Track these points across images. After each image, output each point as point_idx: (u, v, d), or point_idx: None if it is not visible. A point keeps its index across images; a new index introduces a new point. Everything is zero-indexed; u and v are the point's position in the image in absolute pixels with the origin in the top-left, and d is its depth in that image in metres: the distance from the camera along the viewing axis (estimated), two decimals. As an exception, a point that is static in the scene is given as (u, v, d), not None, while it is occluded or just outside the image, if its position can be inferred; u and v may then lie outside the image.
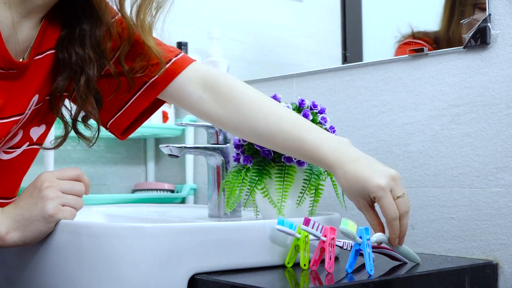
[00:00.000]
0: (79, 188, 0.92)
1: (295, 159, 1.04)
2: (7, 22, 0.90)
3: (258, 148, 1.05)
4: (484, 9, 1.11)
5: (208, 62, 1.66)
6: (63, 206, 0.89)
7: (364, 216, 0.94)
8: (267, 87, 1.45)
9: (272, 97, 1.09)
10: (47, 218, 0.88)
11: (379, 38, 1.35)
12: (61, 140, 1.04)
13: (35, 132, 1.00)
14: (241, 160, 1.08)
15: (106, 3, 0.98)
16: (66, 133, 1.03)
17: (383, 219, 0.93)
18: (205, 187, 1.52)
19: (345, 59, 1.39)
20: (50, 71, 0.98)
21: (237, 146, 1.10)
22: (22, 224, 0.88)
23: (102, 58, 0.99)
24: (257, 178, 1.05)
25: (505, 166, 1.07)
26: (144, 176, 1.79)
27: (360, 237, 0.89)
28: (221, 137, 1.21)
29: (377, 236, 0.96)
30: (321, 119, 1.08)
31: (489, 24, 1.09)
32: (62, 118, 1.02)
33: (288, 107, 1.07)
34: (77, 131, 1.03)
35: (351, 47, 1.40)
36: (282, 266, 0.94)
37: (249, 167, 1.07)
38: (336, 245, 0.91)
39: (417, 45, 1.23)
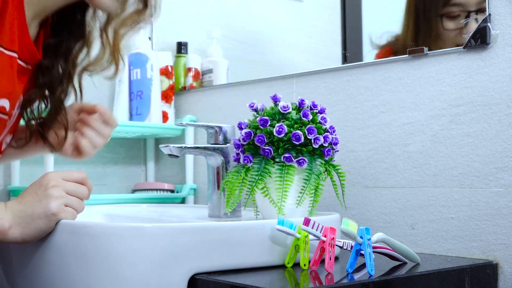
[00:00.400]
0: (83, 191, 0.94)
1: (294, 158, 1.04)
2: (27, 20, 0.95)
3: (258, 145, 1.06)
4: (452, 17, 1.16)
5: (208, 62, 1.66)
6: (65, 206, 0.90)
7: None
8: (267, 87, 1.45)
9: (272, 97, 1.10)
10: (49, 216, 0.89)
11: (379, 38, 1.35)
12: (25, 142, 1.07)
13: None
14: (241, 159, 1.08)
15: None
16: (31, 135, 1.06)
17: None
18: (205, 187, 1.52)
19: (345, 59, 1.39)
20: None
21: (237, 146, 1.10)
22: (24, 221, 0.89)
23: (75, 74, 1.07)
24: (257, 178, 1.05)
25: (505, 166, 1.07)
26: (144, 176, 1.79)
27: (361, 237, 0.89)
28: (221, 137, 1.21)
29: (377, 236, 0.96)
30: (321, 119, 1.08)
31: (489, 24, 1.09)
32: (28, 123, 1.05)
33: (288, 106, 1.07)
34: (44, 136, 1.07)
35: (351, 47, 1.40)
36: (282, 266, 0.94)
37: (249, 166, 1.07)
38: (336, 245, 0.91)
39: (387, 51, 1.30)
